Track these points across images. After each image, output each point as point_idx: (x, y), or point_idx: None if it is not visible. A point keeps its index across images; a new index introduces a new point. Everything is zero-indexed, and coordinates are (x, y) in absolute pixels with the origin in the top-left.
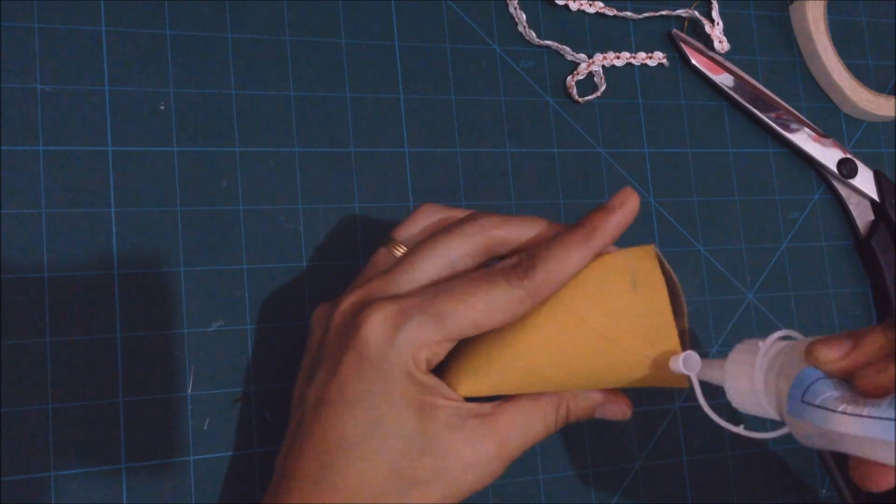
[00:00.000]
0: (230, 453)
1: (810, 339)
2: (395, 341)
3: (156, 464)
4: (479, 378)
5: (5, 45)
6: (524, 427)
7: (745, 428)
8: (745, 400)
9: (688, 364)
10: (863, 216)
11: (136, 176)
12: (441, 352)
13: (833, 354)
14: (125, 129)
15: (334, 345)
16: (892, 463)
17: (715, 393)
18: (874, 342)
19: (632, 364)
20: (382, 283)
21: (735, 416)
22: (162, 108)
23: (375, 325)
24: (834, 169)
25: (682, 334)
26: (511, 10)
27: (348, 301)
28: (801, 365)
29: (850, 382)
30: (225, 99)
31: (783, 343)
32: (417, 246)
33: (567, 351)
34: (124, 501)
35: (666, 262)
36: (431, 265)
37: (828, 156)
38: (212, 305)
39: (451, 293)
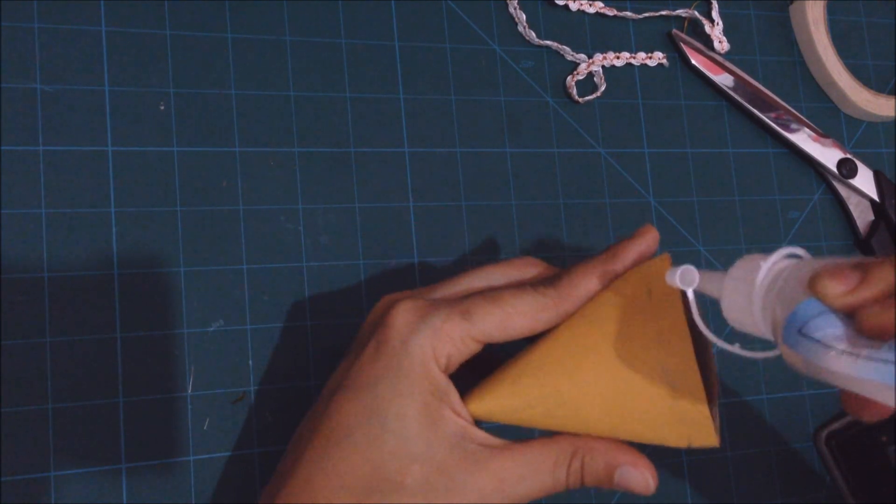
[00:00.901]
0: (230, 453)
1: (815, 264)
2: (417, 328)
3: (156, 464)
4: (489, 389)
5: (5, 45)
6: (529, 469)
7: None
8: (740, 317)
9: (685, 278)
10: (863, 216)
11: (136, 176)
12: (464, 350)
13: (839, 288)
14: (125, 129)
15: (364, 337)
16: (891, 403)
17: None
18: (883, 278)
19: (644, 372)
20: (423, 289)
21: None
22: (162, 108)
23: (400, 313)
24: (834, 169)
25: (709, 380)
26: (511, 10)
27: (385, 299)
28: (801, 291)
29: (852, 319)
30: (225, 99)
31: (786, 262)
32: (463, 271)
33: (577, 357)
34: (124, 501)
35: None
36: (469, 281)
37: (828, 156)
38: (212, 305)
39: (480, 294)
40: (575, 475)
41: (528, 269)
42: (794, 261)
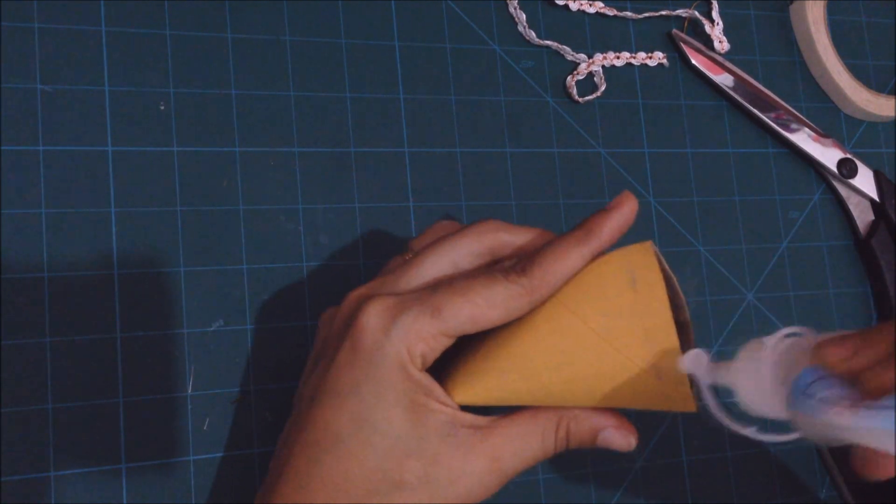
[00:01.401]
0: (230, 453)
1: (817, 337)
2: (390, 331)
3: (156, 464)
4: (474, 383)
5: (5, 45)
6: (520, 444)
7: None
8: (755, 400)
9: (694, 363)
10: (863, 216)
11: (136, 176)
12: (437, 346)
13: (841, 353)
14: (125, 129)
15: (334, 339)
16: (891, 450)
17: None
18: (883, 340)
19: (632, 370)
20: (386, 280)
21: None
22: (162, 108)
23: (371, 316)
24: (834, 169)
25: (684, 326)
26: (511, 10)
27: (352, 297)
28: (805, 361)
29: (855, 383)
30: (225, 99)
31: (790, 341)
32: (424, 248)
33: (564, 352)
34: (124, 501)
35: (662, 259)
36: (435, 264)
37: (828, 156)
38: (212, 305)
39: (449, 287)
40: (561, 441)
41: (491, 236)
42: (797, 338)
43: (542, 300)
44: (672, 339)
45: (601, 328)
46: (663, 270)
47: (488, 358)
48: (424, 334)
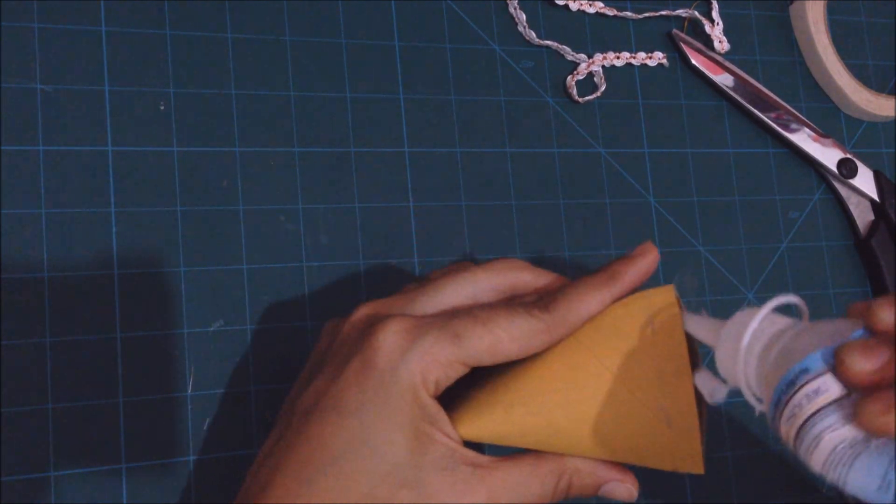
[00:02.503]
0: (230, 453)
1: (824, 327)
2: (407, 353)
3: (156, 464)
4: (480, 416)
5: (5, 45)
6: (519, 490)
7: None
8: (729, 372)
9: (707, 385)
10: (863, 216)
11: (136, 176)
12: (452, 374)
13: (868, 366)
14: (125, 129)
15: (341, 352)
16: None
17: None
18: None
19: (642, 414)
20: (402, 299)
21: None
22: (162, 108)
23: (389, 335)
24: (834, 169)
25: (701, 411)
26: (511, 10)
27: (363, 311)
28: (797, 356)
29: (853, 403)
30: (225, 99)
31: (785, 323)
32: (443, 273)
33: (575, 388)
34: (124, 501)
35: (683, 305)
36: (455, 292)
37: (828, 156)
38: (212, 305)
39: (469, 315)
40: (561, 493)
41: (514, 274)
42: (798, 324)
43: (560, 339)
44: (686, 385)
45: (615, 366)
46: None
47: (496, 391)
48: (442, 360)
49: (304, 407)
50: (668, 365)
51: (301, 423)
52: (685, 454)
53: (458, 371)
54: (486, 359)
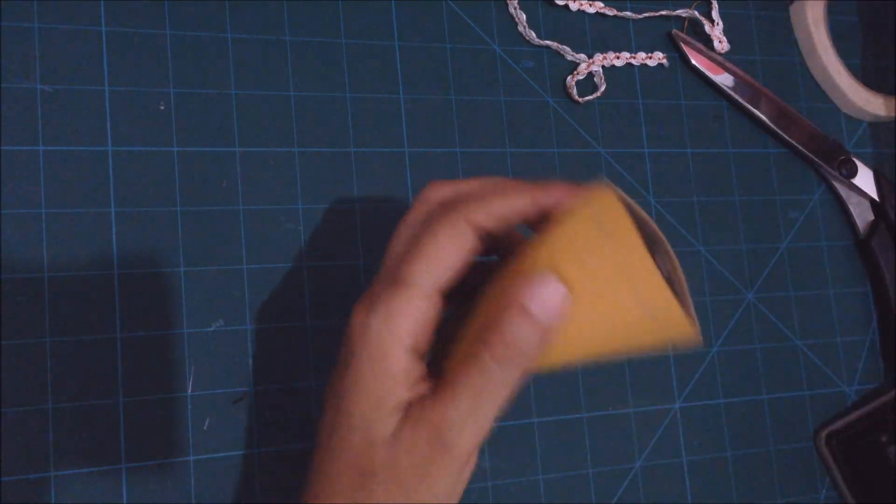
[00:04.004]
0: (230, 453)
1: None
2: (368, 323)
3: (156, 464)
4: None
5: (5, 45)
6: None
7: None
8: None
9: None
10: (863, 216)
11: (136, 176)
12: (420, 316)
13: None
14: (125, 129)
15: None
16: None
17: None
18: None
19: (628, 311)
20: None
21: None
22: (162, 108)
23: (355, 315)
24: (834, 169)
25: (674, 282)
26: (511, 10)
27: (429, 192)
28: None
29: None
30: (225, 99)
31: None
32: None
33: None
34: (124, 501)
35: (635, 205)
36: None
37: (828, 156)
38: (212, 305)
39: (406, 257)
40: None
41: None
42: None
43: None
44: (650, 269)
45: (585, 279)
46: (637, 215)
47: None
48: (401, 310)
49: (325, 396)
50: (629, 258)
51: (319, 418)
52: (675, 329)
53: (421, 309)
54: (437, 278)
